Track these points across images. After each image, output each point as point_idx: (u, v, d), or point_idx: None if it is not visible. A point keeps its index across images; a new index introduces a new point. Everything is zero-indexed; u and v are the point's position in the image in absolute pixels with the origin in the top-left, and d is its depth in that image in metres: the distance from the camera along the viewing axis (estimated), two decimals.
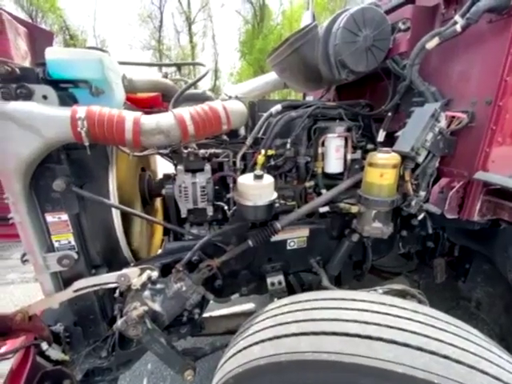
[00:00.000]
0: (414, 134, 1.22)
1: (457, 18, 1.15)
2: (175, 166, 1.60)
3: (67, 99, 1.05)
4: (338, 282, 1.78)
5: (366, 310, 0.86)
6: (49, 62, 0.96)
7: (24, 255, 1.15)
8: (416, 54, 1.30)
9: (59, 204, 1.09)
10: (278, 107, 1.42)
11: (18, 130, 0.90)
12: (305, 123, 1.44)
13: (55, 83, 1.00)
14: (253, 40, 21.77)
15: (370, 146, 1.66)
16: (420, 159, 1.26)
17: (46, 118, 0.92)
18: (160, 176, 1.86)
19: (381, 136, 1.68)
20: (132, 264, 1.35)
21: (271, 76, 2.24)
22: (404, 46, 1.36)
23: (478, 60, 1.19)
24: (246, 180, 1.18)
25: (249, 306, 2.37)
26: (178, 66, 1.88)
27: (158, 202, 1.98)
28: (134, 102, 1.72)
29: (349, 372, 0.71)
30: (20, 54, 1.92)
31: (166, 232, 2.03)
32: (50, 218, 1.12)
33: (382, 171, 1.23)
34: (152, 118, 1.03)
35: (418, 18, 1.33)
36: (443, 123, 1.22)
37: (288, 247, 1.56)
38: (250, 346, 0.86)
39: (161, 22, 21.61)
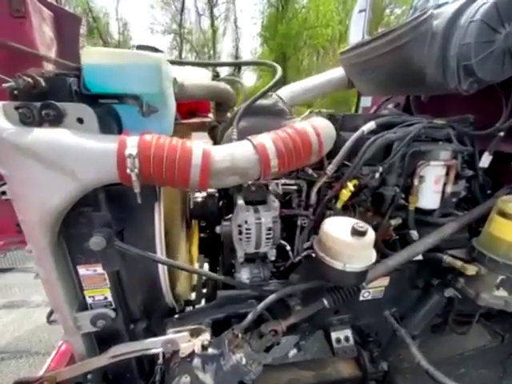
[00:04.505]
0: None
1: None
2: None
3: (107, 117, 0.76)
4: None
5: None
6: (87, 70, 0.67)
7: (51, 314, 0.92)
8: None
9: (95, 256, 0.83)
10: (372, 125, 1.08)
11: (45, 171, 0.62)
12: (404, 148, 1.09)
13: (93, 98, 0.71)
14: (276, 24, 20.53)
15: (470, 172, 1.30)
16: None
17: (82, 155, 0.63)
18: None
19: (485, 161, 1.32)
20: (176, 316, 1.10)
21: (331, 74, 1.86)
22: None
23: None
24: (338, 232, 0.87)
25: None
26: (238, 66, 1.51)
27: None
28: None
29: None
30: (45, 43, 1.63)
31: (202, 250, 1.78)
32: (83, 270, 0.86)
33: None
34: (225, 153, 0.73)
35: None
36: None
37: (361, 298, 1.26)
38: None
39: (182, 4, 20.72)
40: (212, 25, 21.27)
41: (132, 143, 0.65)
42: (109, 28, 21.05)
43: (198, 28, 21.39)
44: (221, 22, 22.34)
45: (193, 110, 1.48)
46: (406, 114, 1.61)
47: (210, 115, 1.46)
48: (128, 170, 0.64)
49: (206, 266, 1.81)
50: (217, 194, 1.45)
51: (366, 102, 2.37)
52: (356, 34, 2.71)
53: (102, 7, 20.99)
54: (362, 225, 0.84)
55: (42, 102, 0.63)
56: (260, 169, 0.76)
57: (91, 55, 0.66)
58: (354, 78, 1.53)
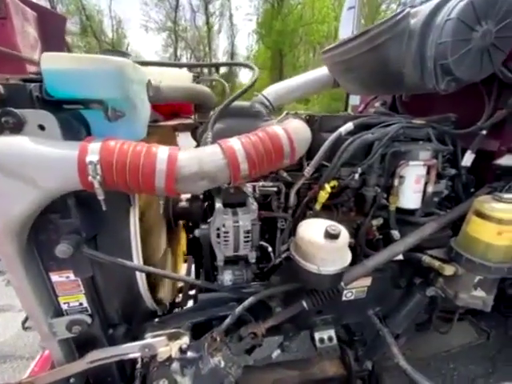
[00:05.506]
0: None
1: None
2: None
3: (73, 123, 0.74)
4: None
5: None
6: (47, 75, 0.66)
7: (26, 320, 0.91)
8: None
9: (66, 263, 0.82)
10: (349, 126, 1.07)
11: (4, 180, 0.61)
12: (383, 148, 1.09)
13: (56, 104, 0.70)
14: (271, 21, 20.35)
15: (451, 172, 1.30)
16: None
17: (42, 163, 0.62)
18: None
19: (468, 159, 1.32)
20: (156, 320, 1.10)
21: (319, 72, 1.84)
22: None
23: None
24: (312, 236, 0.87)
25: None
26: (216, 67, 1.51)
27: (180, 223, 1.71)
28: (156, 107, 1.40)
29: None
30: (28, 43, 1.61)
31: (190, 251, 1.78)
32: (55, 277, 0.86)
33: (500, 228, 0.89)
34: (193, 157, 0.72)
35: None
36: None
37: (344, 298, 1.26)
38: None
39: (177, 1, 20.47)
40: (207, 22, 21.09)
41: (93, 149, 0.64)
42: (102, 26, 20.86)
43: (192, 25, 21.21)
44: (216, 19, 22.18)
45: (176, 111, 1.46)
46: (393, 112, 1.60)
47: (193, 116, 1.45)
48: (90, 177, 0.63)
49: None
50: (201, 196, 1.45)
51: (355, 100, 2.36)
52: (346, 31, 2.70)
53: (96, 5, 20.72)
54: (334, 228, 0.83)
55: (1, 110, 0.62)
56: (229, 173, 0.75)
57: (51, 60, 0.65)
58: (337, 77, 1.52)
